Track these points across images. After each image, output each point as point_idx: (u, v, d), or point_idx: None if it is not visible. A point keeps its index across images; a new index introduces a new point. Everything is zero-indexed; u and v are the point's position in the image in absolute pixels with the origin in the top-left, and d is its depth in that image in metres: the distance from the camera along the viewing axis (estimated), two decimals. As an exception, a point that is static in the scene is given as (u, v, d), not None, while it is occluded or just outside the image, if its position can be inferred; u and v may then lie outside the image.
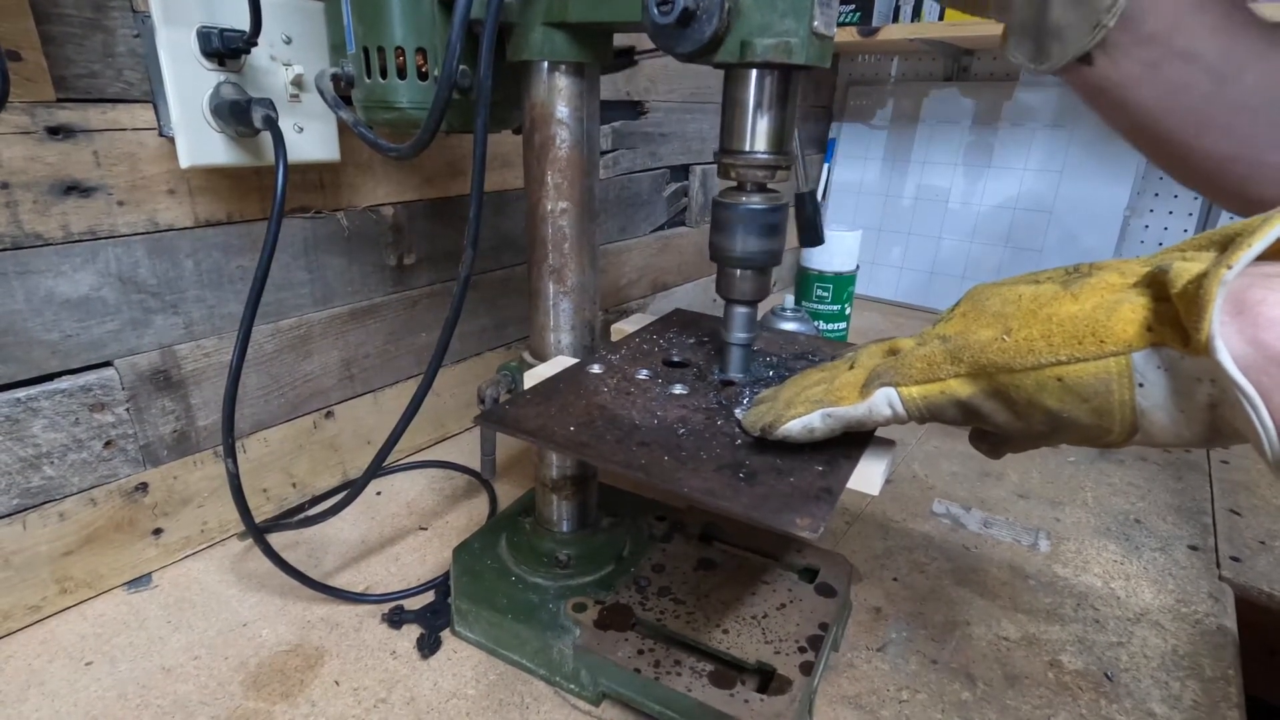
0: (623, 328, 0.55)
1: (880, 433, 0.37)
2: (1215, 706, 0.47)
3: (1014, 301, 0.30)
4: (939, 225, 1.32)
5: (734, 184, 0.41)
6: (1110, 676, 0.50)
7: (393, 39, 0.44)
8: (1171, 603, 0.57)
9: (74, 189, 0.47)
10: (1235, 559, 0.62)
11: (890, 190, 1.37)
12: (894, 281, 1.39)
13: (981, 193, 1.27)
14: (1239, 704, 0.47)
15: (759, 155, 0.39)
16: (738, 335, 0.44)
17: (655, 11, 0.35)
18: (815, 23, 0.34)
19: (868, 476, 0.35)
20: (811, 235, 0.59)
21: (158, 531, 0.57)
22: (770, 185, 0.41)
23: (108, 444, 0.52)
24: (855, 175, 1.41)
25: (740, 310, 0.43)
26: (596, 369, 0.45)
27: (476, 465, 0.75)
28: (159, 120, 0.50)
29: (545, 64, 0.43)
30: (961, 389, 0.30)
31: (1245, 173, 0.36)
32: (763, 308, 0.51)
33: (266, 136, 0.52)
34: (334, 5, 0.46)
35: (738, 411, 0.40)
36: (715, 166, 0.41)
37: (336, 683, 0.48)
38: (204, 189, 0.54)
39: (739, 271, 0.42)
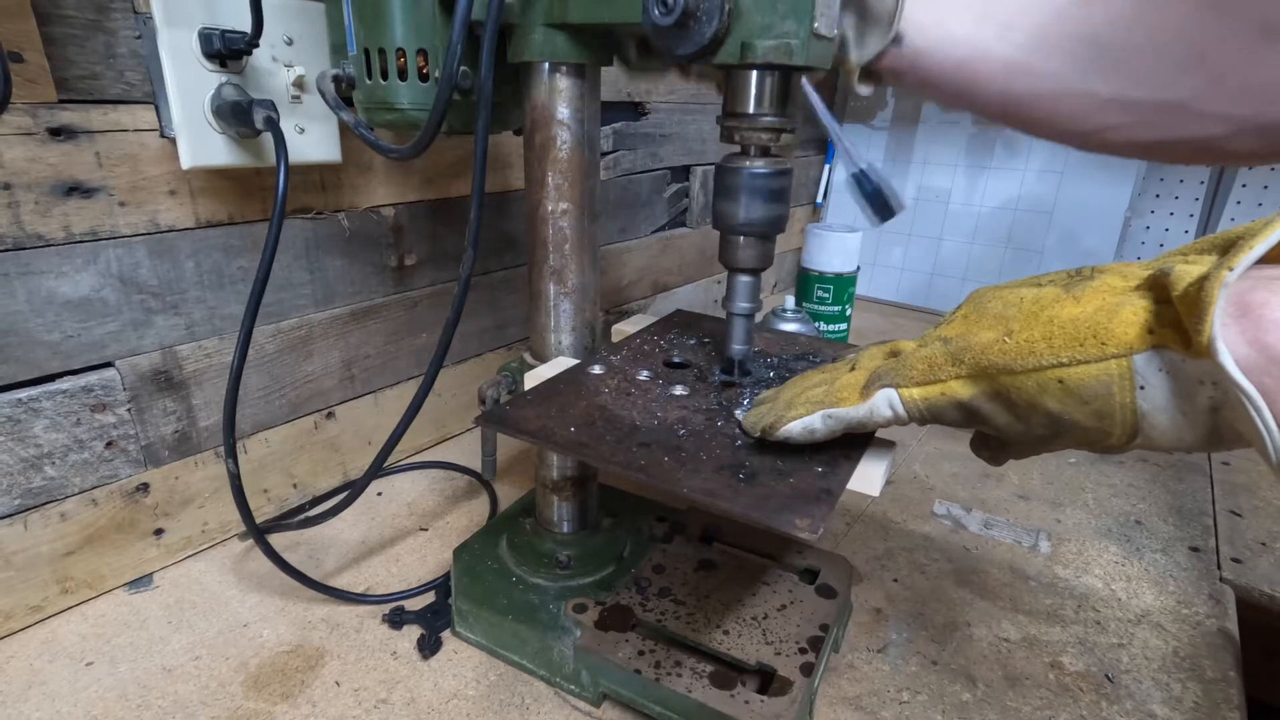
0: (623, 329, 0.55)
1: (881, 434, 0.37)
2: (1216, 708, 0.47)
3: (1015, 304, 0.30)
4: (939, 226, 1.32)
5: (737, 149, 0.40)
6: (1111, 678, 0.50)
7: (394, 40, 0.44)
8: (1172, 604, 0.57)
9: (75, 190, 0.47)
10: (1236, 560, 0.62)
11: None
12: (894, 282, 1.39)
13: (982, 194, 1.27)
14: (1240, 705, 0.47)
15: (763, 118, 0.38)
16: (740, 305, 0.43)
17: (655, 13, 0.35)
18: (816, 24, 0.34)
19: (868, 477, 0.35)
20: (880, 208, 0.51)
21: (159, 532, 0.57)
22: (774, 150, 0.40)
23: (109, 444, 0.52)
24: (856, 176, 1.40)
25: (743, 279, 0.42)
26: (597, 370, 0.45)
27: (477, 466, 0.75)
28: (160, 121, 0.50)
29: (546, 65, 0.43)
30: (962, 390, 0.30)
31: (1076, 108, 0.34)
32: (763, 308, 0.50)
33: (268, 137, 0.52)
34: (335, 7, 0.46)
35: (738, 412, 0.40)
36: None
37: (337, 683, 0.48)
38: (205, 190, 0.54)
39: (741, 238, 0.41)
